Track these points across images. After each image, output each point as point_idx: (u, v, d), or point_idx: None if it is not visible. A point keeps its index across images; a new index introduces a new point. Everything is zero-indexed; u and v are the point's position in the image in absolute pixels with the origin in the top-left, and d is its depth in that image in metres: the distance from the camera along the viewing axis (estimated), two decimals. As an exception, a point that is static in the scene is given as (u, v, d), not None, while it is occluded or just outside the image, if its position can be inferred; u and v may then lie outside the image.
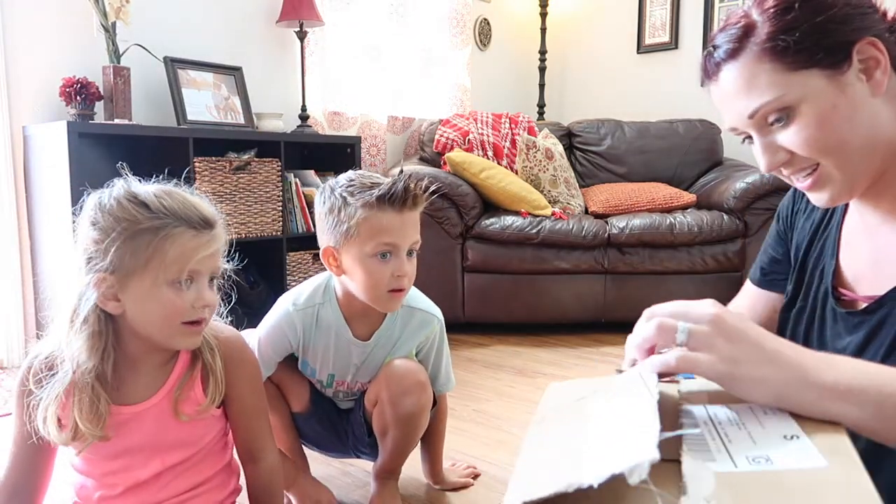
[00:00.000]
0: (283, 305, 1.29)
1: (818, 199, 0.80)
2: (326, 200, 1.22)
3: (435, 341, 1.36)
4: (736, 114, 0.78)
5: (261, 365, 1.22)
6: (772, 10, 0.73)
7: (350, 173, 1.24)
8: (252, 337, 1.30)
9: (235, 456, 1.12)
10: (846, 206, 0.87)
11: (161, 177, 1.00)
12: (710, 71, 0.79)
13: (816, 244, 0.90)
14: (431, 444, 1.45)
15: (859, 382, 0.58)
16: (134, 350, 0.96)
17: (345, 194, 1.19)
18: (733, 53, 0.75)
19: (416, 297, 1.34)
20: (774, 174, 0.81)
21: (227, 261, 1.02)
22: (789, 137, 0.75)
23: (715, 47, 0.78)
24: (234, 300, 1.07)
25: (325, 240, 1.24)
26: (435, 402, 1.38)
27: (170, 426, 0.98)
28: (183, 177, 1.02)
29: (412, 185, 1.19)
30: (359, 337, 1.29)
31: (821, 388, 0.58)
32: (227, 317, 1.09)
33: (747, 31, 0.75)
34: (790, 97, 0.73)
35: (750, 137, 0.80)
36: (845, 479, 0.47)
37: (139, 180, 0.97)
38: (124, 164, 1.00)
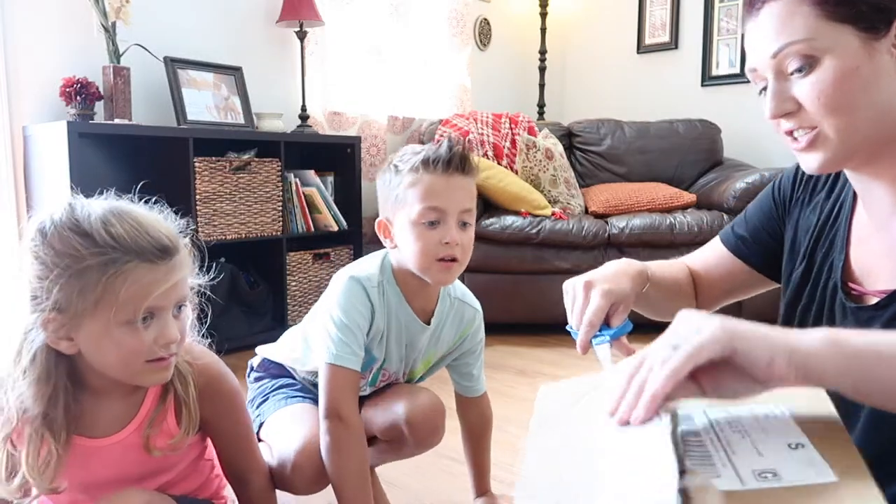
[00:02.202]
0: (355, 280, 1.18)
1: (809, 161, 0.79)
2: (384, 174, 1.20)
3: (479, 335, 1.33)
4: (761, 51, 0.77)
5: (349, 349, 1.14)
6: None
7: (411, 145, 1.21)
8: (317, 328, 1.20)
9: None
10: (854, 201, 0.86)
11: (109, 193, 0.88)
12: (754, 5, 0.78)
13: (824, 240, 0.89)
14: (480, 458, 1.39)
15: (846, 336, 0.59)
16: (96, 385, 0.86)
17: (398, 163, 1.17)
18: None
19: (462, 290, 1.32)
20: (774, 127, 0.80)
21: (201, 274, 0.91)
22: (804, 88, 0.74)
23: None
24: (208, 321, 0.97)
25: (381, 213, 1.21)
26: (459, 407, 1.36)
27: (139, 460, 0.89)
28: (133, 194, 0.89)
29: (459, 147, 1.15)
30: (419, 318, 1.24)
31: (812, 338, 0.58)
32: (205, 337, 0.99)
33: None
34: (818, 44, 0.72)
35: (765, 89, 0.79)
36: (857, 497, 0.45)
37: (92, 196, 0.85)
38: (75, 187, 0.88)
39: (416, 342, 1.25)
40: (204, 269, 0.92)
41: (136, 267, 0.78)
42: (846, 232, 0.86)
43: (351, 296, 1.17)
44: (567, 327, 0.90)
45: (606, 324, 0.85)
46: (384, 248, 1.23)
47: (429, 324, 1.24)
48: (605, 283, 0.87)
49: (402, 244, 1.17)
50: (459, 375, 1.35)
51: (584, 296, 0.87)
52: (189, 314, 0.89)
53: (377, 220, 1.21)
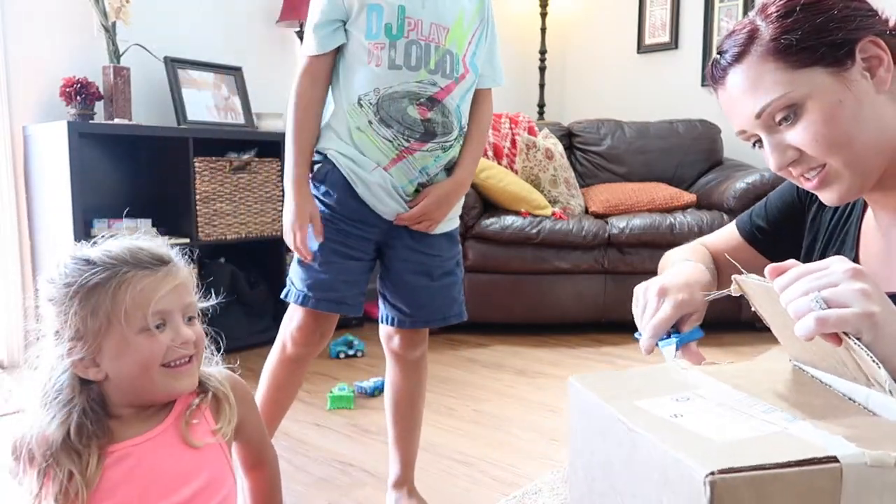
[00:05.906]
0: None
1: (828, 197, 0.81)
2: None
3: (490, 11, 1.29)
4: (744, 115, 0.79)
5: (319, 31, 1.17)
6: (774, 15, 0.77)
7: None
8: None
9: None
10: (865, 200, 0.88)
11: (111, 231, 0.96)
12: (716, 77, 0.82)
13: (836, 238, 0.91)
14: (473, 148, 1.35)
15: None
16: (127, 413, 0.88)
17: None
18: (739, 57, 0.78)
19: None
20: (783, 175, 0.82)
21: (202, 299, 0.94)
22: (797, 135, 0.76)
23: (721, 53, 0.81)
24: (223, 347, 1.00)
25: None
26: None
27: (176, 456, 0.88)
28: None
29: None
30: None
31: None
32: (223, 359, 1.02)
33: (752, 35, 0.78)
34: (796, 94, 0.75)
35: (759, 141, 0.81)
36: None
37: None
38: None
39: None
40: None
41: (135, 275, 0.85)
42: (857, 231, 0.88)
43: None
44: (636, 335, 0.86)
45: (676, 329, 0.83)
46: None
47: None
48: (679, 293, 0.83)
49: None
50: (482, 62, 1.30)
51: (655, 304, 0.84)
52: (202, 331, 0.93)
53: None
